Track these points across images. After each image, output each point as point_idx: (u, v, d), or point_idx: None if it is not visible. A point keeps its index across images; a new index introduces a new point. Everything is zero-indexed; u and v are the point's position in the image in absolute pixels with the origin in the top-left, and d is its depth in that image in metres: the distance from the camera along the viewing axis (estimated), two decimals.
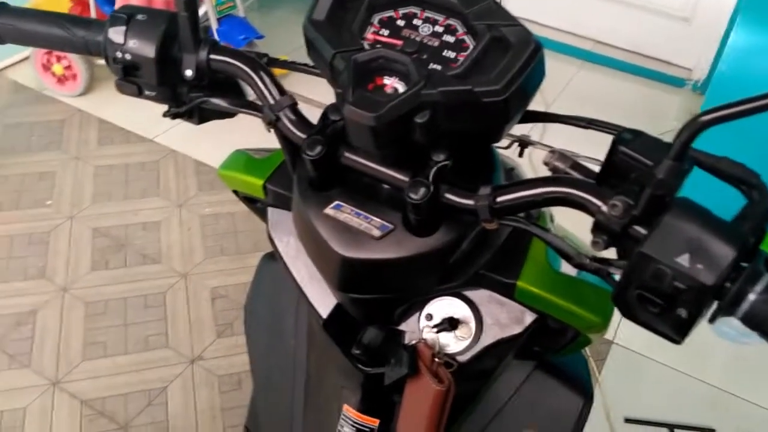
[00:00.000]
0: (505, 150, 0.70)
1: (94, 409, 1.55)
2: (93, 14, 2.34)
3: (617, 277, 0.46)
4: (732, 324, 0.42)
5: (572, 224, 0.66)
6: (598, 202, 0.46)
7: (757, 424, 1.64)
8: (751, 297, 0.41)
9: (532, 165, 0.72)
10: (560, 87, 2.68)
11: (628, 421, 1.63)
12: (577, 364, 0.81)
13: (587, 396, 0.76)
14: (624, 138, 0.47)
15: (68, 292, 1.82)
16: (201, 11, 2.27)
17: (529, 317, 0.63)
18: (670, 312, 0.43)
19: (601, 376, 1.71)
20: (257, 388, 0.92)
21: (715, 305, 0.43)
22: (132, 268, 1.91)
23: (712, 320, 0.44)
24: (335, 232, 0.55)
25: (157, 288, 1.85)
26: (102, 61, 2.63)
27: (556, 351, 0.72)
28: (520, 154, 0.74)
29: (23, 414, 1.54)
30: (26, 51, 2.61)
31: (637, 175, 0.46)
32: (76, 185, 2.18)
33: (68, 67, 2.48)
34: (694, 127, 0.40)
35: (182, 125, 2.41)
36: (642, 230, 0.44)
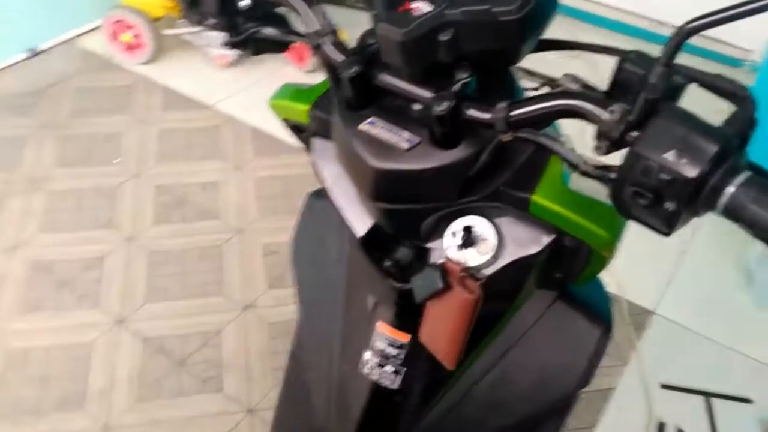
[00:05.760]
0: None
1: (154, 347, 1.67)
2: None
3: None
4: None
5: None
6: (600, 111, 0.51)
7: None
8: (730, 189, 0.45)
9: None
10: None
11: (664, 387, 1.65)
12: (598, 297, 0.85)
13: (606, 327, 0.79)
14: (629, 57, 0.53)
15: (133, 242, 1.95)
16: None
17: (546, 237, 0.67)
18: (659, 205, 0.48)
19: (639, 344, 1.74)
20: (302, 315, 0.98)
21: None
22: (191, 224, 2.02)
23: (698, 213, 0.48)
24: (368, 145, 0.62)
25: (213, 242, 1.96)
26: (168, 31, 2.74)
27: (575, 277, 0.75)
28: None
29: (90, 348, 1.66)
30: (98, 20, 2.75)
31: (638, 89, 0.50)
32: (141, 147, 2.30)
33: (136, 36, 2.61)
34: (681, 34, 0.46)
35: (241, 94, 2.53)
36: (637, 134, 0.49)
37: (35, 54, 2.72)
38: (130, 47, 2.65)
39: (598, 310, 0.82)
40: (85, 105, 2.47)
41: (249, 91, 2.57)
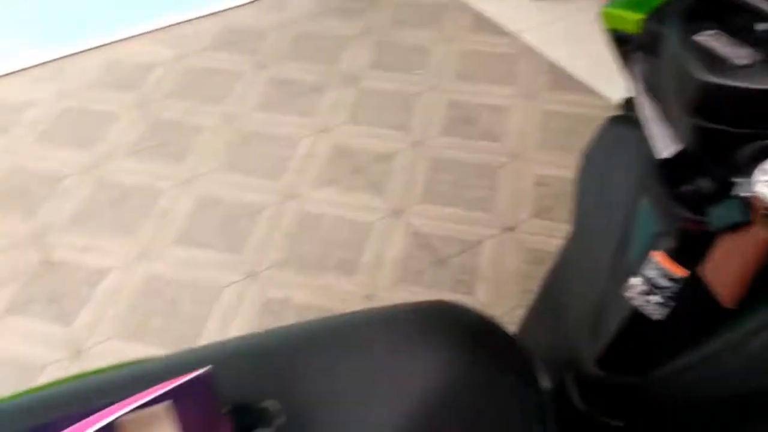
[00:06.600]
0: None
1: (421, 241, 1.84)
2: None
3: None
4: None
5: None
6: None
7: None
8: None
9: None
10: None
11: None
12: None
13: None
14: None
15: (420, 146, 2.13)
16: None
17: None
18: None
19: None
20: (576, 230, 1.00)
21: None
22: (473, 141, 2.14)
23: None
24: (701, 57, 0.61)
25: (490, 161, 2.06)
26: None
27: None
28: None
29: (369, 228, 1.89)
30: None
31: None
32: (443, 62, 2.46)
33: None
34: None
35: (545, 27, 2.53)
36: None
37: None
38: None
39: None
40: (403, 17, 2.70)
41: (553, 25, 2.57)
